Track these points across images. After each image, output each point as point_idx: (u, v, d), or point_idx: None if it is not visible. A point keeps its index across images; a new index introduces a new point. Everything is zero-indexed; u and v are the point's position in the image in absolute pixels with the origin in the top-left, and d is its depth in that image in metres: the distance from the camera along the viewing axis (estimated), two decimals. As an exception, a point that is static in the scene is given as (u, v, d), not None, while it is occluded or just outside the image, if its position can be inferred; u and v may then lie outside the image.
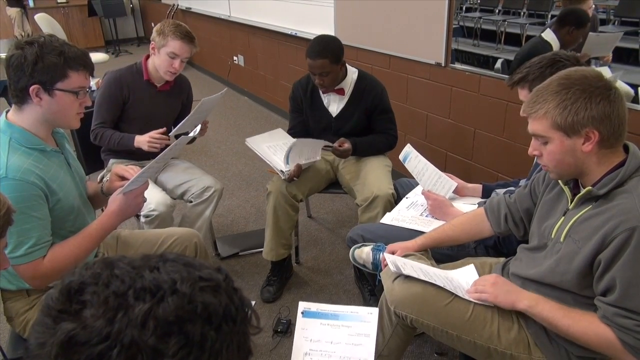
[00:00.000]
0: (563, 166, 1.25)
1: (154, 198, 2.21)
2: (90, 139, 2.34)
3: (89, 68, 1.46)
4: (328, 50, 2.25)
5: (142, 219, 2.21)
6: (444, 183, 2.04)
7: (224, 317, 0.58)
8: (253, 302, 2.41)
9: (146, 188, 1.57)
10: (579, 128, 1.18)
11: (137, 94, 2.36)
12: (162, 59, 2.29)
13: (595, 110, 1.16)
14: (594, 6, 2.24)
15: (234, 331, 0.59)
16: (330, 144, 2.33)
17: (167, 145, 2.40)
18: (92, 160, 2.49)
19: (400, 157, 2.17)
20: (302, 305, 1.29)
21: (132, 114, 2.38)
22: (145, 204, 1.61)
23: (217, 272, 0.62)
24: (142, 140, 2.25)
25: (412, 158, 2.12)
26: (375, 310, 1.27)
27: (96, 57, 5.41)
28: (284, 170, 2.25)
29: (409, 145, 2.18)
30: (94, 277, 0.57)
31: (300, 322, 1.26)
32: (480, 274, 1.62)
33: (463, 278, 1.51)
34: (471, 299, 1.41)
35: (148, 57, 2.38)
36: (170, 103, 2.49)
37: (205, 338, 0.56)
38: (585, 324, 1.23)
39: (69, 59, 1.40)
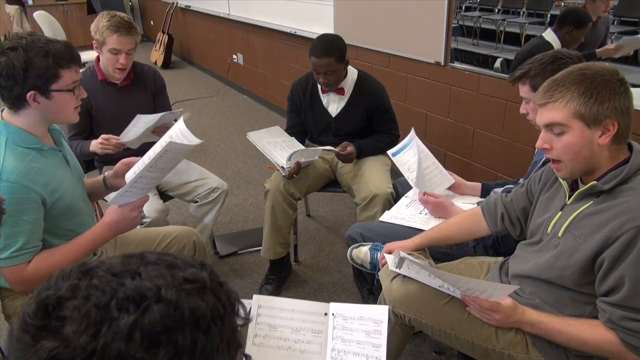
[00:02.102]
0: (578, 159, 1.21)
1: (146, 204, 2.15)
2: None
3: (77, 61, 1.43)
4: (333, 49, 2.25)
5: (137, 227, 2.17)
6: (442, 176, 2.04)
7: (212, 318, 0.56)
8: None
9: (145, 201, 1.52)
10: (602, 118, 1.16)
11: (98, 98, 2.25)
12: (106, 57, 2.17)
13: (618, 102, 1.15)
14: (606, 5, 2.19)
15: (223, 330, 0.57)
16: (333, 149, 2.32)
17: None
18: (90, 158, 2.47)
19: (396, 147, 2.12)
20: (333, 307, 1.32)
21: (101, 119, 2.27)
22: None
23: (201, 270, 0.60)
24: (95, 144, 2.13)
25: (412, 147, 2.10)
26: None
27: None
28: (284, 167, 2.25)
29: (413, 132, 2.15)
30: (72, 290, 0.55)
31: (331, 322, 1.30)
32: (478, 274, 1.62)
33: (493, 289, 1.32)
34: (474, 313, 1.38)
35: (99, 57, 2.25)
36: (137, 98, 2.34)
37: (195, 344, 0.54)
38: (588, 332, 1.23)
39: (57, 58, 1.36)
